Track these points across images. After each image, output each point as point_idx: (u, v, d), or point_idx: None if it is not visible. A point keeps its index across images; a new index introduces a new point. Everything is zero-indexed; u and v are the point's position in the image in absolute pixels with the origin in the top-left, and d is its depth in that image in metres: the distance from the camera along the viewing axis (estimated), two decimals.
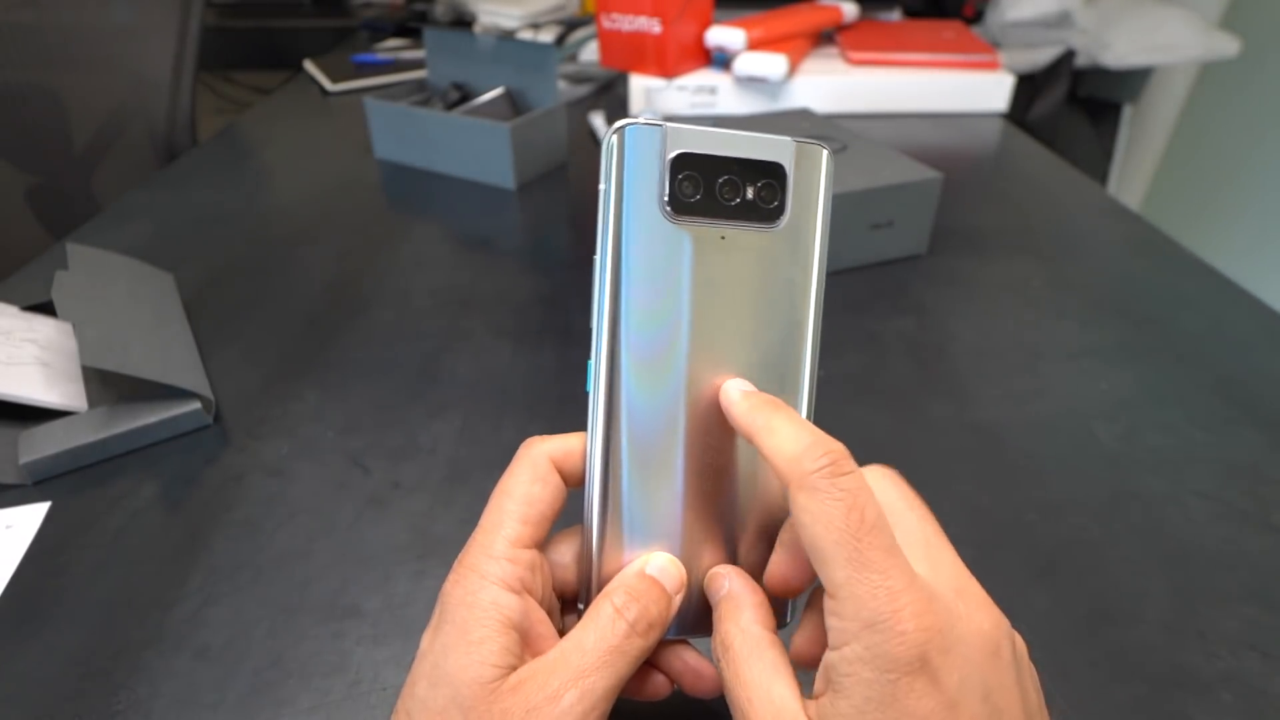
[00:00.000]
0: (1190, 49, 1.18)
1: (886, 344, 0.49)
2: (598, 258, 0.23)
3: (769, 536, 0.24)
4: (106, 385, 0.43)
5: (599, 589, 0.23)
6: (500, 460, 0.24)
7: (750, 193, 0.23)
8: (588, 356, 0.23)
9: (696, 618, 0.25)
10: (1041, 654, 0.30)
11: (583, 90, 0.97)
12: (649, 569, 0.23)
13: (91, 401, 0.42)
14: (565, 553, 0.25)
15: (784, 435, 0.21)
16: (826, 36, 1.02)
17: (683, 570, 0.24)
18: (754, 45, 0.84)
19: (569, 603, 0.25)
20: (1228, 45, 1.17)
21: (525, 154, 0.71)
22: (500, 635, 0.21)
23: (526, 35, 1.08)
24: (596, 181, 0.23)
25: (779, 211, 0.23)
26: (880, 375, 0.46)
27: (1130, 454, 0.40)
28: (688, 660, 0.25)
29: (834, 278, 0.56)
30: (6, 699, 0.29)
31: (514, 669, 0.21)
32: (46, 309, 0.47)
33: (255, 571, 0.34)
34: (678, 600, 0.24)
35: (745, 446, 0.24)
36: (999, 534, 0.36)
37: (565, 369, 0.47)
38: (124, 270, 0.51)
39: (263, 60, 1.46)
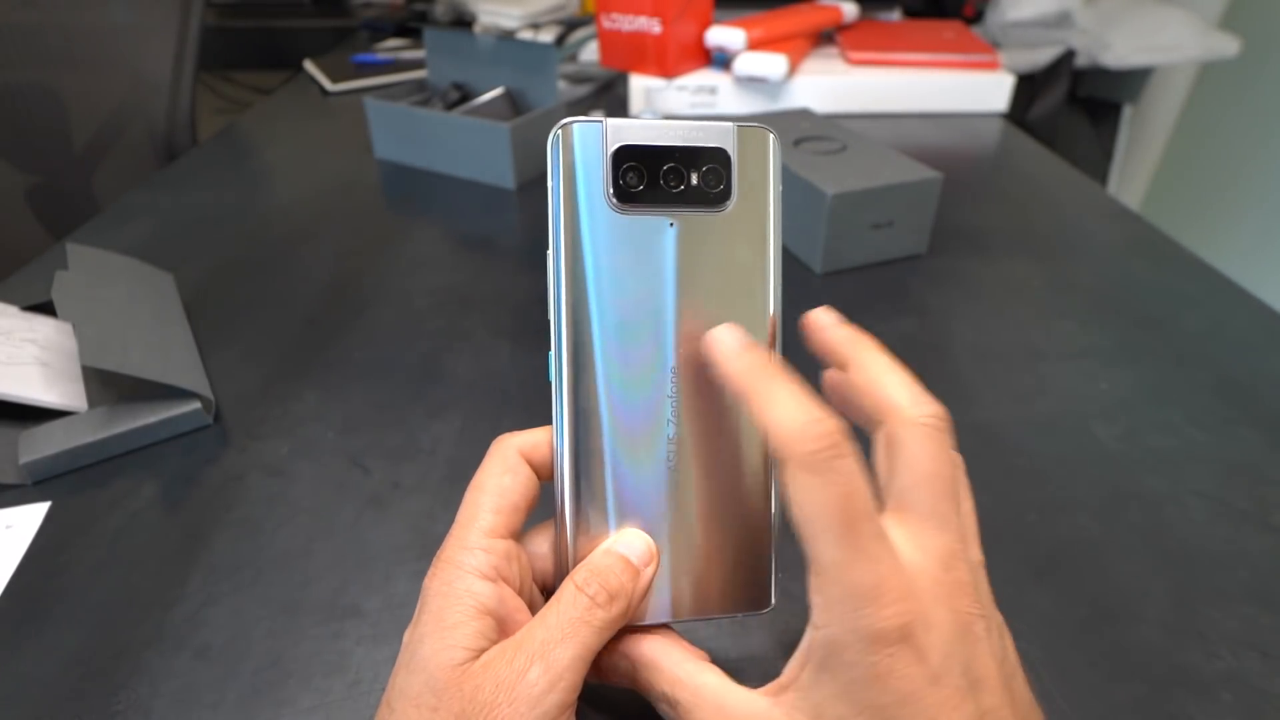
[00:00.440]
0: (1190, 49, 1.18)
1: (886, 344, 0.49)
2: (550, 252, 0.24)
3: (745, 512, 0.25)
4: (106, 385, 0.43)
5: None
6: None
7: (695, 178, 0.24)
8: (547, 349, 0.24)
9: (679, 599, 0.25)
10: (1041, 654, 0.30)
11: (583, 90, 0.97)
12: (615, 546, 0.24)
13: (91, 401, 0.42)
14: (543, 544, 0.25)
15: (785, 408, 0.21)
16: (826, 36, 1.01)
17: (651, 544, 0.24)
18: (754, 45, 0.84)
19: (551, 594, 0.26)
20: (1228, 45, 1.17)
21: (525, 154, 0.71)
22: (474, 620, 0.21)
23: (526, 35, 1.08)
24: None
25: (725, 195, 0.24)
26: None
27: (1130, 454, 0.40)
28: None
29: (834, 277, 0.56)
30: (6, 699, 0.29)
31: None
32: (46, 309, 0.47)
33: (255, 571, 0.34)
34: (648, 572, 0.24)
35: (712, 421, 0.24)
36: (999, 534, 0.36)
37: None
38: (124, 270, 0.51)
39: (263, 60, 1.46)
